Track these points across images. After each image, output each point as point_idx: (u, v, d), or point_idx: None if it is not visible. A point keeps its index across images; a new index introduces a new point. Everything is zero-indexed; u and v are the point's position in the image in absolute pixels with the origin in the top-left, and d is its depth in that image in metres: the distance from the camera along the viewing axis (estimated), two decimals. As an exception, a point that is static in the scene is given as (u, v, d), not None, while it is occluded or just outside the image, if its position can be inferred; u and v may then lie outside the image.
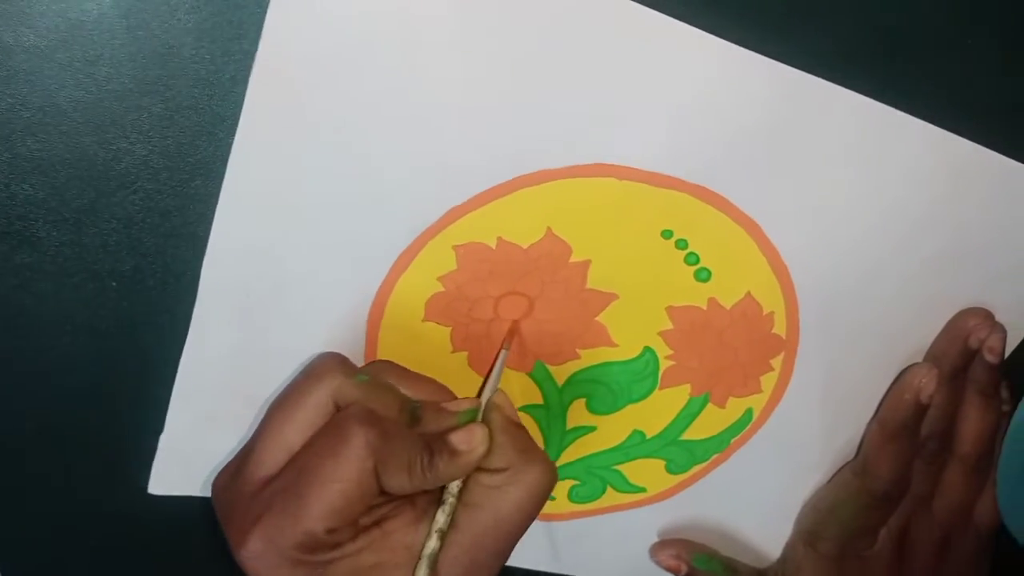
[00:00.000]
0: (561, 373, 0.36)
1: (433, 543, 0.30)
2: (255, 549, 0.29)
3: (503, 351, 0.33)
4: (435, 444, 0.30)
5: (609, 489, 0.39)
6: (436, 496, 0.31)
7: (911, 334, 0.37)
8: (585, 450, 0.38)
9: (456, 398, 0.33)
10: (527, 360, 0.35)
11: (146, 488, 0.35)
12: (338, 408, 0.31)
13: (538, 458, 0.31)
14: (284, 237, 0.31)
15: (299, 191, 0.30)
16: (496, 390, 0.33)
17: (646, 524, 0.41)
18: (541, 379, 0.36)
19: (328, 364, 0.31)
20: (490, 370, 0.34)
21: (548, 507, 0.38)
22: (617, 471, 0.39)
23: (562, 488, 0.39)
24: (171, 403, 0.34)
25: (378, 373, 0.32)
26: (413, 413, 0.31)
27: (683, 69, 0.30)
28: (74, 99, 0.29)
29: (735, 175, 0.32)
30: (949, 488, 0.39)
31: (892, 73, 0.32)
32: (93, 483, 0.36)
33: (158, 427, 0.34)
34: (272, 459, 0.30)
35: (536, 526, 0.38)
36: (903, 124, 0.32)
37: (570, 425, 0.37)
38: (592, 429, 0.37)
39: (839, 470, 0.40)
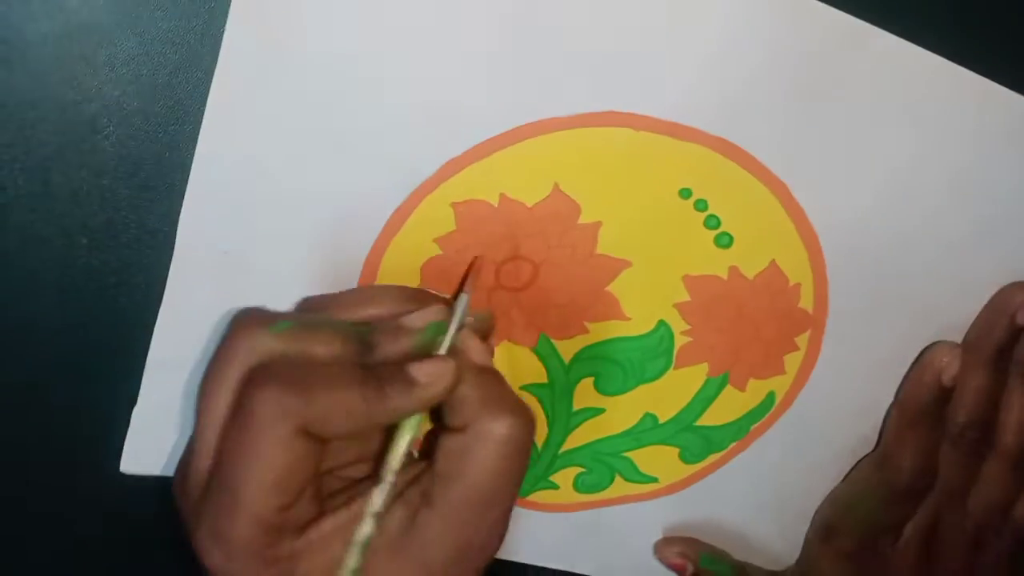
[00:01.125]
0: (568, 348, 0.34)
1: (366, 528, 0.27)
2: (214, 557, 0.26)
3: (464, 295, 0.29)
4: (387, 372, 0.26)
5: (618, 478, 0.37)
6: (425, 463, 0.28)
7: (951, 310, 0.35)
8: (593, 434, 0.36)
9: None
10: (530, 333, 0.33)
11: (118, 467, 0.33)
12: None
13: (502, 408, 0.27)
14: (266, 191, 0.29)
15: (282, 140, 0.29)
16: (460, 329, 0.28)
17: (657, 518, 0.39)
18: (545, 355, 0.34)
19: (242, 323, 0.27)
20: (452, 299, 0.31)
21: (551, 496, 0.37)
22: (627, 458, 0.37)
23: (567, 476, 0.37)
24: (145, 373, 0.32)
25: (314, 308, 0.29)
26: (362, 339, 0.27)
27: (706, 5, 0.28)
28: (41, 32, 0.27)
29: (762, 128, 0.30)
30: (987, 483, 0.37)
31: (943, 20, 0.30)
32: (60, 461, 0.34)
33: (132, 399, 0.32)
34: (210, 449, 0.27)
35: (537, 517, 0.37)
36: (954, 76, 0.30)
37: (577, 406, 0.35)
38: (600, 411, 0.35)
39: (859, 461, 0.38)
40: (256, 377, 0.26)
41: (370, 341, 0.27)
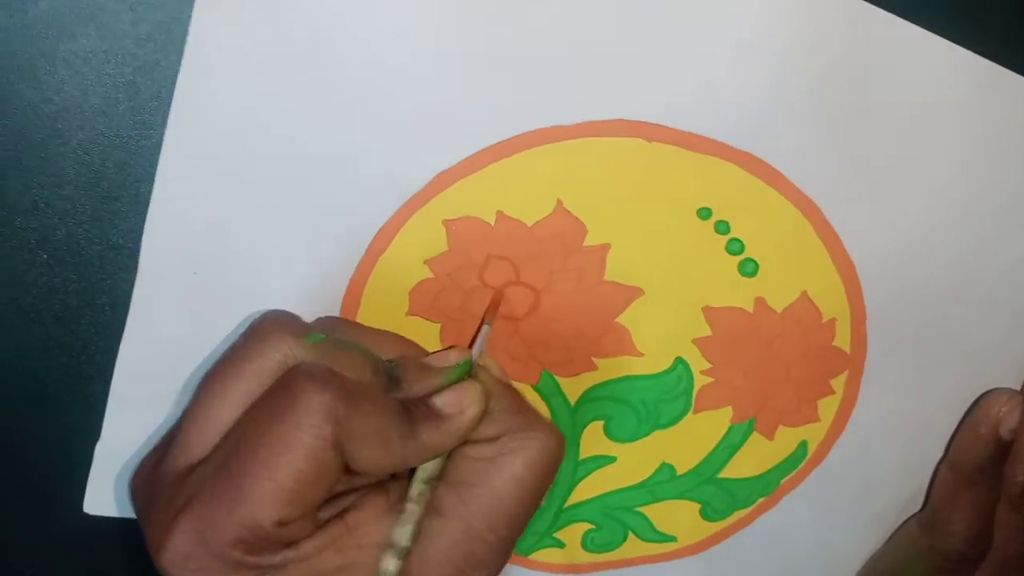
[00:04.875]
0: (573, 387, 0.32)
1: (391, 566, 0.25)
2: (179, 549, 0.24)
3: (484, 326, 0.29)
4: (414, 410, 0.26)
5: (631, 536, 0.35)
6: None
7: (1005, 351, 0.33)
8: (602, 487, 0.34)
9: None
10: (531, 369, 0.31)
11: (82, 507, 0.32)
12: None
13: (539, 421, 0.27)
14: (238, 204, 0.28)
15: (255, 148, 0.27)
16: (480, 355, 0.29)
17: None
18: (549, 394, 0.32)
19: (273, 324, 0.27)
20: (473, 339, 0.30)
21: (557, 556, 0.35)
22: (641, 514, 0.34)
23: (574, 533, 0.35)
24: (108, 405, 0.30)
25: (338, 330, 0.28)
26: (390, 374, 0.27)
27: (734, 2, 0.26)
28: None
29: (791, 141, 0.29)
30: None
31: (1005, 22, 0.28)
32: (20, 499, 0.32)
33: (95, 433, 0.31)
34: (201, 442, 0.26)
35: None
36: (1014, 86, 0.28)
37: (584, 454, 0.33)
38: (611, 460, 0.33)
39: (904, 523, 0.36)
40: (311, 368, 0.25)
41: (397, 376, 0.27)
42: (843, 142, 0.29)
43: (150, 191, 0.28)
